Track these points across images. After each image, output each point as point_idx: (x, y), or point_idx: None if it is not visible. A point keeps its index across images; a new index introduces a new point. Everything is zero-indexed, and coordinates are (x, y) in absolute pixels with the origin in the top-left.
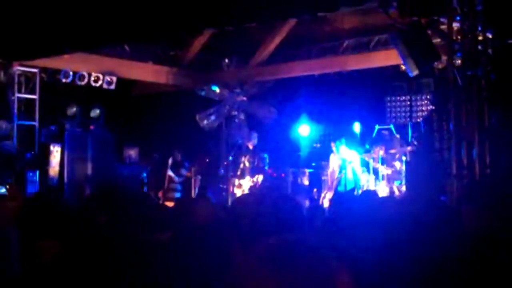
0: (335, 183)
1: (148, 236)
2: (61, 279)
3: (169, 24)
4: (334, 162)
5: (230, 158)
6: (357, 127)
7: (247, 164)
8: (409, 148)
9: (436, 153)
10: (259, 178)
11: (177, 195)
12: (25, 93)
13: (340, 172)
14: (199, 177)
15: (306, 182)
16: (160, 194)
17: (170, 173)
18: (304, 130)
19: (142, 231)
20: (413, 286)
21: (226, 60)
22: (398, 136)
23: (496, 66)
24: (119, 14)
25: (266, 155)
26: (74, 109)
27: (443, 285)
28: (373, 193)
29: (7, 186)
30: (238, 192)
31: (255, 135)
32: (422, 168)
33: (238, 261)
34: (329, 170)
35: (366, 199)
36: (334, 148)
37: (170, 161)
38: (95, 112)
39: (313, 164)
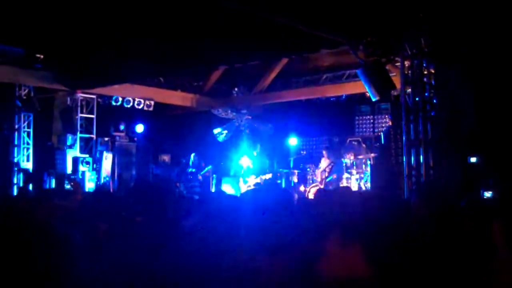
0: (325, 181)
1: (179, 221)
2: (110, 251)
3: (194, 62)
4: (323, 164)
5: (239, 162)
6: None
7: (251, 166)
8: (372, 154)
9: (392, 158)
10: (266, 177)
11: (198, 189)
12: (85, 113)
13: (331, 173)
14: (215, 176)
15: (295, 180)
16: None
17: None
18: (293, 142)
19: (174, 217)
20: (381, 252)
21: (236, 89)
22: (364, 145)
23: (438, 94)
24: (157, 55)
25: (266, 160)
26: (123, 125)
27: (398, 252)
28: (348, 188)
29: (72, 183)
30: (244, 188)
31: (258, 146)
32: (382, 169)
33: (242, 235)
34: (320, 170)
35: (343, 192)
36: (325, 154)
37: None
38: (139, 128)
39: (301, 166)
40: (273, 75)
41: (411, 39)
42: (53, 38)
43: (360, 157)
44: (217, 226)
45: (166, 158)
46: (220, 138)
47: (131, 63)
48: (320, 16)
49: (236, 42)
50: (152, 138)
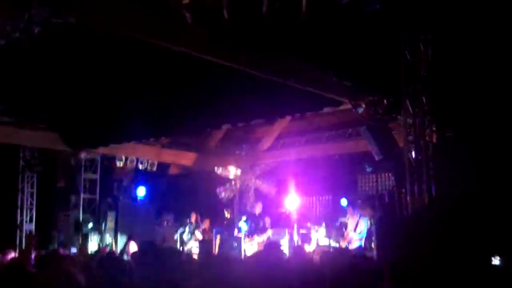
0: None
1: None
2: None
3: (196, 123)
4: (351, 222)
5: (243, 221)
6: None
7: (253, 226)
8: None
9: (397, 218)
10: (265, 236)
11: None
12: (89, 173)
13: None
14: (218, 236)
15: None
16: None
17: (197, 234)
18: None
19: (176, 278)
20: None
21: (239, 148)
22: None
23: (440, 152)
24: (159, 116)
25: (268, 219)
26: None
27: None
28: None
29: (78, 246)
30: (248, 247)
31: (260, 204)
32: (388, 231)
33: None
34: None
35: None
36: (350, 210)
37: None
38: (140, 191)
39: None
40: (275, 133)
41: (412, 98)
42: (56, 100)
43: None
44: None
45: (169, 218)
46: (224, 197)
47: (133, 124)
48: (323, 76)
49: (239, 102)
50: (155, 198)
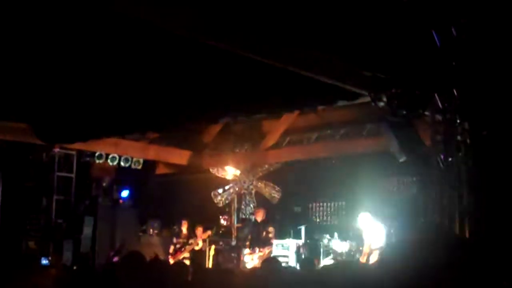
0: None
1: None
2: None
3: (191, 116)
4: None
5: (242, 231)
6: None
7: (255, 236)
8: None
9: None
10: (268, 250)
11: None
12: (63, 172)
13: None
14: (213, 246)
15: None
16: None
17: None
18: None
19: None
20: None
21: (239, 145)
22: None
23: (473, 154)
24: (149, 105)
25: (272, 228)
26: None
27: None
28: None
29: (49, 258)
30: (249, 261)
31: (262, 211)
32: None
33: None
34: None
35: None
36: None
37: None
38: (124, 194)
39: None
40: (281, 129)
41: (442, 91)
42: (28, 87)
43: None
44: None
45: (156, 224)
46: (219, 202)
47: (116, 115)
48: (338, 64)
49: (240, 93)
50: (140, 201)
